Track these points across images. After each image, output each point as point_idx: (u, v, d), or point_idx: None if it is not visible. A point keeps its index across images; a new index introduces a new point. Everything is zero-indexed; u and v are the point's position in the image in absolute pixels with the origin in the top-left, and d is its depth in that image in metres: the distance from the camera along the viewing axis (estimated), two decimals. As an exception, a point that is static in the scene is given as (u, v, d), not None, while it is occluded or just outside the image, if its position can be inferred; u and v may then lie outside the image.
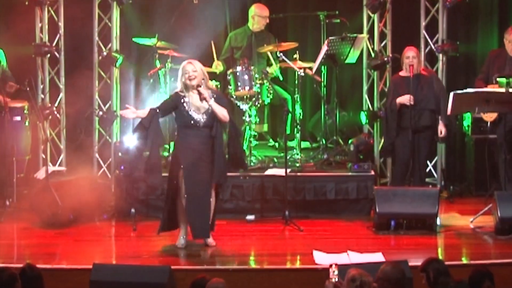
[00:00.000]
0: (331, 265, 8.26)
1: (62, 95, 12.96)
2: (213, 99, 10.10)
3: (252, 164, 12.26)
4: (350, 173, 12.12)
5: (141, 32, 12.93)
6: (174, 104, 10.24)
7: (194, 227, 10.30)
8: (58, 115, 12.94)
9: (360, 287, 7.47)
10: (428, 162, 12.62)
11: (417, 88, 11.74)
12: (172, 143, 12.38)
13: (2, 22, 12.86)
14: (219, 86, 12.67)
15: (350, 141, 12.69)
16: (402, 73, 11.95)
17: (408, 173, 11.88)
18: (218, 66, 12.82)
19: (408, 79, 11.73)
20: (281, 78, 12.98)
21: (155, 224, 11.31)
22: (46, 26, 12.89)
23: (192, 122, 10.18)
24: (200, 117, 10.19)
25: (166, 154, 12.56)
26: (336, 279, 7.93)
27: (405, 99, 11.56)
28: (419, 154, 11.86)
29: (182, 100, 10.18)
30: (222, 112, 10.15)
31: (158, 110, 10.24)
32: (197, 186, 10.20)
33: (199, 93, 10.14)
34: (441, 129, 11.73)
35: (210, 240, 10.47)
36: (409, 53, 11.80)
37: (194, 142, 10.24)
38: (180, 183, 10.29)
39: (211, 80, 12.58)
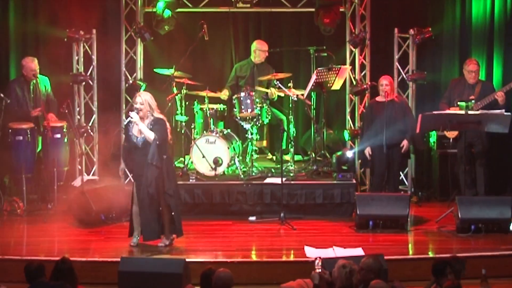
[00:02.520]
0: (315, 259, 8.29)
1: (95, 116, 12.93)
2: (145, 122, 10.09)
3: (253, 174, 12.26)
4: (335, 182, 12.07)
5: (161, 63, 12.91)
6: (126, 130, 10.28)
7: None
8: (91, 133, 12.90)
9: (349, 273, 7.49)
10: (400, 172, 12.62)
11: (391, 111, 11.78)
12: (187, 156, 12.42)
13: (46, 56, 12.83)
14: (226, 109, 12.73)
15: (333, 156, 12.70)
16: (378, 98, 11.96)
17: (384, 182, 11.92)
18: (225, 94, 12.82)
19: (383, 103, 11.76)
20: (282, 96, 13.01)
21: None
22: (82, 59, 12.83)
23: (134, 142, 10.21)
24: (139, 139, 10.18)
25: (181, 165, 12.57)
26: (320, 270, 7.96)
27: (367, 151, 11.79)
28: (393, 166, 11.88)
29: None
30: (148, 135, 10.04)
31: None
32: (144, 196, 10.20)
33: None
34: (404, 144, 11.76)
35: (160, 243, 10.37)
36: (384, 81, 11.82)
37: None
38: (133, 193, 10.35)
39: (219, 104, 12.69)
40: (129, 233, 10.50)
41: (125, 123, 10.29)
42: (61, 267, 7.88)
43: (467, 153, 11.99)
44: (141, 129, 10.04)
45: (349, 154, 12.52)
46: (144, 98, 10.11)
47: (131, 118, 10.06)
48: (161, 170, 10.12)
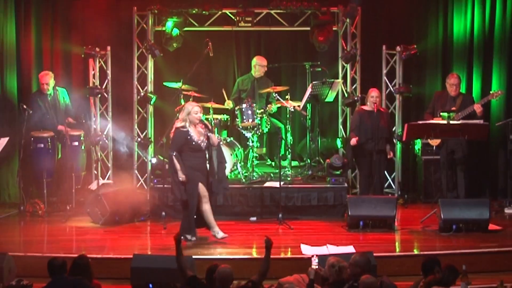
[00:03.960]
0: (312, 256, 8.31)
1: (109, 125, 12.94)
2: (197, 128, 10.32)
3: (254, 178, 12.25)
4: (328, 185, 12.08)
5: (170, 77, 12.88)
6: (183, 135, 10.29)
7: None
8: (106, 141, 12.90)
9: (338, 270, 7.52)
10: (388, 176, 12.65)
11: (378, 120, 11.81)
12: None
13: (65, 70, 12.86)
14: (229, 119, 12.75)
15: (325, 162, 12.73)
16: (365, 107, 12.00)
17: (371, 184, 11.95)
18: (229, 104, 12.84)
19: (370, 112, 11.81)
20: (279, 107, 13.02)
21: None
22: (98, 73, 12.85)
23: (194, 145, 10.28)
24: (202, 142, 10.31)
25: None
26: (317, 266, 7.99)
27: (352, 141, 11.80)
28: (379, 170, 11.92)
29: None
30: (215, 139, 10.39)
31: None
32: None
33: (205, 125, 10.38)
34: (389, 151, 11.84)
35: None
36: (373, 93, 11.86)
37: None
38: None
39: (223, 115, 12.70)
40: (188, 231, 10.44)
41: (183, 128, 10.29)
42: (78, 263, 7.90)
43: (449, 159, 12.01)
44: (211, 134, 10.35)
45: (337, 160, 12.50)
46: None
47: (207, 124, 10.37)
48: None
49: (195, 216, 10.46)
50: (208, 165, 10.49)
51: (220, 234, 10.46)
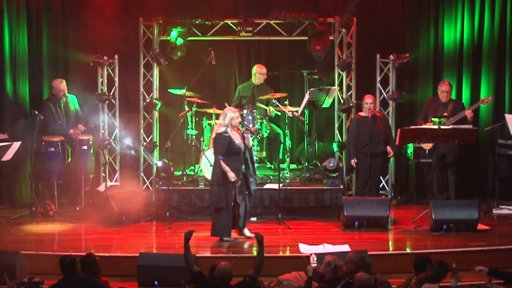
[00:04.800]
0: (311, 254, 8.31)
1: (117, 130, 12.92)
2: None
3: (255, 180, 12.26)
4: (325, 187, 12.10)
5: (174, 84, 12.88)
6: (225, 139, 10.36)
7: None
8: (114, 145, 12.91)
9: (334, 268, 7.52)
10: (381, 179, 12.65)
11: (374, 125, 11.83)
12: (197, 165, 12.43)
13: (75, 78, 12.82)
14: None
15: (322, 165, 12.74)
16: (361, 114, 12.01)
17: (367, 186, 11.96)
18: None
19: (366, 118, 11.83)
20: (279, 114, 13.02)
21: (185, 224, 11.46)
22: (106, 81, 12.85)
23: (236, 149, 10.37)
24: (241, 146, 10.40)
25: (192, 173, 12.59)
26: (315, 264, 8.00)
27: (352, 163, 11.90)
28: (375, 173, 11.92)
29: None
30: (250, 142, 10.56)
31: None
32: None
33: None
34: (390, 150, 11.83)
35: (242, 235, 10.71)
36: (368, 99, 11.88)
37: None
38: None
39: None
40: (223, 233, 10.54)
41: (225, 132, 10.36)
42: (86, 261, 7.92)
43: (440, 162, 12.03)
44: (247, 135, 10.43)
45: (332, 162, 12.50)
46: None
47: (248, 127, 10.49)
48: None
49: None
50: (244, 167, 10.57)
51: (248, 233, 10.57)
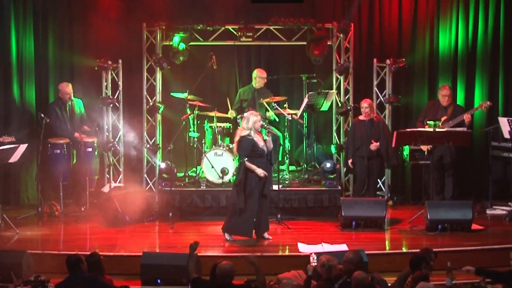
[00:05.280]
0: (311, 254, 8.33)
1: (121, 133, 12.94)
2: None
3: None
4: (323, 188, 12.11)
5: (176, 88, 12.87)
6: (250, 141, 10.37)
7: None
8: (118, 147, 12.91)
9: (328, 268, 7.53)
10: (378, 180, 12.66)
11: (371, 128, 11.86)
12: (199, 167, 12.44)
13: (80, 82, 12.83)
14: (231, 127, 12.77)
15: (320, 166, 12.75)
16: (360, 117, 12.04)
17: (364, 188, 11.97)
18: (232, 114, 12.85)
19: (364, 121, 11.86)
20: (277, 120, 13.01)
21: (187, 224, 11.48)
22: (110, 84, 12.87)
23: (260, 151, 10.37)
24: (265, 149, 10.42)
25: (194, 174, 12.60)
26: (315, 264, 8.01)
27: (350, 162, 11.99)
28: (372, 175, 11.96)
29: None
30: (271, 145, 10.56)
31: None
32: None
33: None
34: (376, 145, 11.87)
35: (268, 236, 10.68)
36: (364, 104, 11.94)
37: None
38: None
39: (226, 123, 12.70)
40: (246, 234, 10.55)
41: (248, 135, 10.38)
42: (91, 260, 7.93)
43: (438, 164, 12.06)
44: (268, 138, 10.41)
45: (328, 164, 12.51)
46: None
47: (269, 129, 10.47)
48: None
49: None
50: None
51: (267, 236, 10.57)
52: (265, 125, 10.71)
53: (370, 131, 11.82)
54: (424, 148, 11.95)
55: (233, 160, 12.07)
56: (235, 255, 9.70)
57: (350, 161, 11.94)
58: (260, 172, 10.28)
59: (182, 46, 12.81)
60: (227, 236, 10.58)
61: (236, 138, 10.56)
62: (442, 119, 11.96)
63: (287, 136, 12.88)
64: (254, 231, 10.56)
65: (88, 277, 7.66)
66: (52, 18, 13.03)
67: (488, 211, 12.11)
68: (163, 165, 12.36)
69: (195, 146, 12.57)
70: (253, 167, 10.29)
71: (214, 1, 13.19)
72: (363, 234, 10.92)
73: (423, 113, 12.33)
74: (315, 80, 12.92)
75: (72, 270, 7.71)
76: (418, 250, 8.27)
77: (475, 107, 12.17)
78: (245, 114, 10.69)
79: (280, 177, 11.92)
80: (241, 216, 10.45)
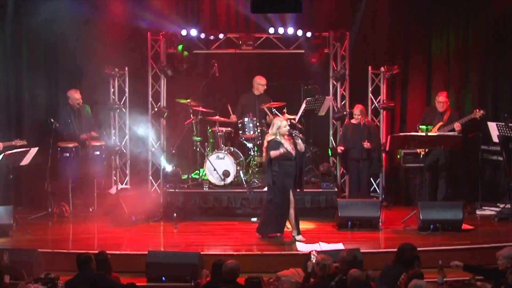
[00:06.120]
0: (311, 251, 8.35)
1: (127, 137, 12.96)
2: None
3: (255, 183, 12.27)
4: (321, 190, 12.12)
5: (180, 94, 12.90)
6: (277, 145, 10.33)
7: None
8: (124, 150, 12.94)
9: (322, 267, 7.56)
10: (373, 182, 12.69)
11: (363, 132, 11.90)
12: (202, 169, 12.46)
13: (88, 89, 12.84)
14: (232, 131, 12.79)
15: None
16: (352, 121, 12.12)
17: (358, 188, 12.04)
18: (233, 118, 12.88)
19: (356, 125, 12.04)
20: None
21: (190, 224, 11.47)
22: (117, 91, 12.90)
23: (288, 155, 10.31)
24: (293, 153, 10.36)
25: (197, 176, 12.62)
26: (315, 261, 8.02)
27: (339, 149, 12.03)
28: (363, 176, 12.04)
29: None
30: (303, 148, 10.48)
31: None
32: None
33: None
34: (367, 144, 11.94)
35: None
36: (355, 110, 12.12)
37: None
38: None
39: (228, 127, 12.72)
40: (279, 230, 10.56)
41: (275, 139, 10.35)
42: (98, 258, 7.95)
43: (432, 166, 12.10)
44: (298, 141, 10.33)
45: (322, 166, 12.53)
46: None
47: (295, 133, 10.37)
48: None
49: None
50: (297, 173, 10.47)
51: (299, 236, 10.48)
52: (291, 130, 10.57)
53: (362, 135, 11.90)
54: (420, 150, 11.97)
55: (234, 163, 12.08)
56: (236, 254, 9.71)
57: (340, 147, 12.03)
58: (282, 151, 10.24)
59: (185, 54, 12.83)
60: (298, 237, 10.51)
61: (264, 144, 10.54)
62: (438, 124, 12.01)
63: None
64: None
65: (97, 275, 7.68)
66: (60, 27, 13.01)
67: (478, 212, 12.11)
68: (169, 169, 12.35)
69: (198, 149, 12.59)
70: (277, 153, 10.26)
71: (216, 11, 13.21)
72: (358, 234, 10.94)
73: (422, 118, 12.37)
74: (311, 87, 12.91)
75: (82, 268, 7.73)
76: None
77: (469, 115, 12.17)
78: (273, 120, 10.66)
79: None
80: (276, 214, 10.45)
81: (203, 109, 12.55)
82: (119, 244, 10.33)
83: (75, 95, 12.34)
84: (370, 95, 12.95)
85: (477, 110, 12.02)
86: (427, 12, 13.21)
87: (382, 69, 12.77)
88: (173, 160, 12.31)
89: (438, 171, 12.23)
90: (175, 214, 11.56)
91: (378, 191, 12.92)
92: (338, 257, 7.83)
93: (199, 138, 12.57)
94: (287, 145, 10.36)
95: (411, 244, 8.28)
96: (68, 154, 12.09)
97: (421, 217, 10.85)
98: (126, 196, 11.85)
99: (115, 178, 12.88)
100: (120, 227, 11.31)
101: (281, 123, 10.39)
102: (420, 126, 11.82)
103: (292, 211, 10.49)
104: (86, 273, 7.66)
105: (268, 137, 10.46)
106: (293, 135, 10.44)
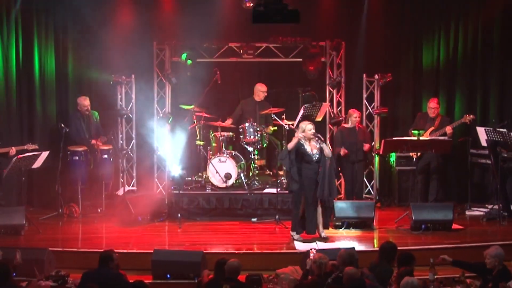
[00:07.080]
0: (311, 249, 8.36)
1: (134, 141, 12.98)
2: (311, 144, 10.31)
3: (255, 185, 12.30)
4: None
5: (184, 100, 12.87)
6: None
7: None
8: (131, 154, 12.96)
9: (319, 265, 7.57)
10: (367, 184, 12.70)
11: (358, 136, 11.94)
12: (204, 172, 12.46)
13: (97, 95, 12.87)
14: (234, 135, 12.80)
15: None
16: (346, 125, 12.18)
17: (352, 189, 12.05)
18: (228, 122, 12.83)
19: (350, 129, 12.12)
20: (276, 129, 13.06)
21: (194, 224, 11.47)
22: (124, 97, 12.91)
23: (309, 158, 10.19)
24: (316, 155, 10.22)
25: (200, 179, 12.63)
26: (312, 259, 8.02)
27: (342, 152, 11.92)
28: (357, 177, 12.07)
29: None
30: (329, 152, 10.30)
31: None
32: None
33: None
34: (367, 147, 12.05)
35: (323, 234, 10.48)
36: (355, 113, 12.12)
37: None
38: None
39: (229, 132, 12.72)
40: (294, 228, 10.47)
41: (301, 142, 10.24)
42: (105, 256, 7.95)
43: (424, 169, 12.12)
44: (324, 145, 10.20)
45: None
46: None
47: (319, 139, 10.21)
48: None
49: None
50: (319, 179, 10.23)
51: (323, 234, 10.41)
52: (317, 134, 10.40)
53: (358, 138, 11.99)
54: (414, 154, 11.99)
55: (236, 166, 12.09)
56: (238, 252, 9.73)
57: (343, 150, 11.94)
58: (295, 140, 10.15)
59: (189, 62, 12.85)
60: (295, 236, 10.44)
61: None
62: (430, 129, 12.04)
63: (285, 144, 12.86)
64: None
65: (115, 275, 7.65)
66: (71, 38, 13.04)
67: (467, 212, 12.12)
68: (177, 173, 12.33)
69: (201, 153, 12.60)
70: (291, 144, 10.16)
71: (219, 22, 13.21)
72: (353, 233, 10.95)
73: (413, 123, 12.39)
74: (308, 93, 12.93)
75: (102, 264, 7.71)
76: (402, 248, 8.29)
77: (459, 120, 12.20)
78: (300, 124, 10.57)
79: (278, 181, 11.95)
80: (297, 215, 10.40)
81: (206, 115, 12.56)
82: (126, 243, 10.33)
83: (84, 102, 12.37)
84: (364, 101, 12.97)
85: (467, 115, 12.06)
86: (419, 23, 13.24)
87: (376, 76, 12.78)
88: (178, 163, 12.30)
89: (430, 174, 12.26)
90: (179, 215, 11.58)
91: (372, 192, 12.93)
92: (335, 255, 7.83)
93: (203, 142, 12.58)
94: (307, 147, 10.25)
95: (392, 242, 8.30)
96: (77, 158, 12.11)
97: (413, 217, 10.86)
98: (133, 198, 11.86)
99: (122, 181, 12.88)
100: (127, 227, 11.32)
101: (305, 127, 10.24)
102: (412, 131, 11.86)
103: (319, 209, 10.40)
104: (105, 271, 7.63)
105: (294, 139, 10.36)
106: (318, 139, 10.25)
